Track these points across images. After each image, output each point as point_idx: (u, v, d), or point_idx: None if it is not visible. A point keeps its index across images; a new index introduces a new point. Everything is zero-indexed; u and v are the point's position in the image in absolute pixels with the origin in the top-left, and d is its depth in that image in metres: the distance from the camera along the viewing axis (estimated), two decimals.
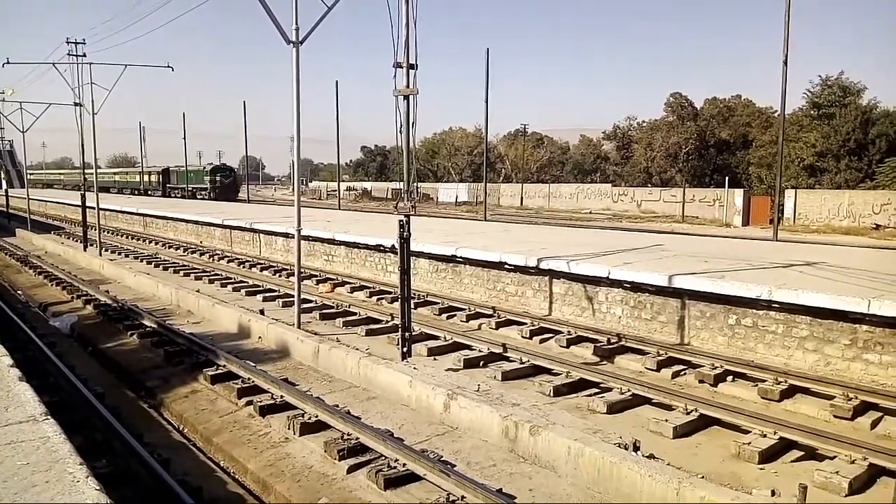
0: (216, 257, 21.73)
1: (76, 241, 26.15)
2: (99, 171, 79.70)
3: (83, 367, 9.90)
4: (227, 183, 60.12)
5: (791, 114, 42.64)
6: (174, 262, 20.28)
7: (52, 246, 25.66)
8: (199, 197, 57.93)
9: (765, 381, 8.15)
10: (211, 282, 16.72)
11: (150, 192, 65.97)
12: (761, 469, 6.18)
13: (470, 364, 9.36)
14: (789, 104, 24.48)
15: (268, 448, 6.93)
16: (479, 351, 9.84)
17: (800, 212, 35.95)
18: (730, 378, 8.55)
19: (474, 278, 14.08)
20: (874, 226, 32.43)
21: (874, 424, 7.13)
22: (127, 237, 30.01)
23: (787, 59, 20.95)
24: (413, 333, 9.60)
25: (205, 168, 62.20)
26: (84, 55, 21.89)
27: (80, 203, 24.10)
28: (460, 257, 14.20)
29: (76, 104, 21.94)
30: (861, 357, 8.42)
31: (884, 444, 6.32)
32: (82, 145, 22.36)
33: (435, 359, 9.73)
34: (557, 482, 5.99)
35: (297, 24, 10.36)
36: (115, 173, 78.89)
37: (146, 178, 69.85)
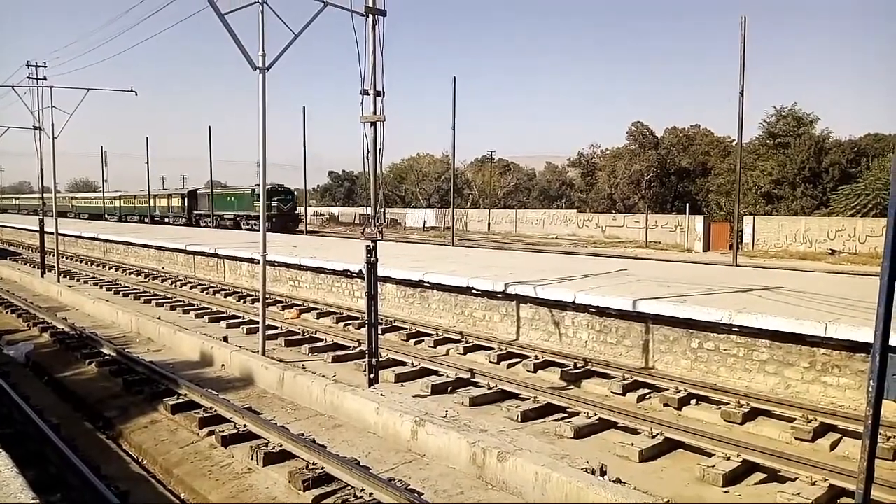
0: (178, 283, 21.33)
1: (33, 267, 25.42)
2: (94, 194, 75.16)
3: (39, 397, 9.57)
4: (286, 209, 45.46)
5: (748, 143, 44.03)
6: (135, 289, 19.83)
7: (7, 272, 24.91)
8: (244, 227, 43.95)
9: (727, 404, 8.29)
10: (173, 308, 16.38)
11: (168, 221, 54.64)
12: (725, 492, 6.25)
13: (438, 390, 9.31)
14: (746, 133, 25.27)
15: (230, 479, 6.76)
16: (447, 377, 9.80)
17: (758, 237, 36.90)
18: (693, 401, 8.67)
19: (442, 303, 14.07)
20: (830, 251, 33.42)
21: (833, 446, 7.28)
22: (86, 263, 29.30)
23: (743, 91, 21.73)
24: (380, 359, 9.53)
25: (254, 190, 46.65)
26: (45, 79, 21.48)
27: (37, 228, 23.49)
28: (428, 282, 14.19)
29: (36, 128, 21.51)
30: (820, 379, 8.61)
31: (843, 465, 6.43)
32: (41, 170, 21.90)
33: (402, 385, 9.66)
34: None
35: (263, 50, 10.42)
36: (114, 197, 67.06)
37: (162, 202, 57.44)
